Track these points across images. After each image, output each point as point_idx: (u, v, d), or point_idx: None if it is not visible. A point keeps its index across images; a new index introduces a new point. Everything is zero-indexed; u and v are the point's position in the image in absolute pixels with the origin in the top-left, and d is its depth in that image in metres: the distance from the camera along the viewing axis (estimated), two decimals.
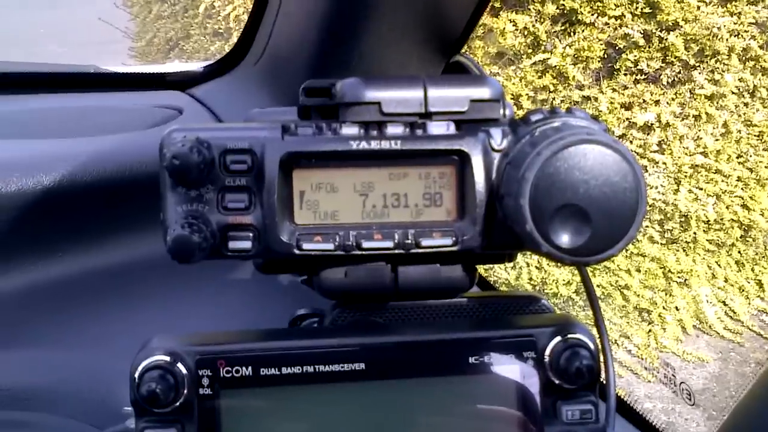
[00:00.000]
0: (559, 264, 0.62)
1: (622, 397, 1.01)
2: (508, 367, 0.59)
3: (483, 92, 0.60)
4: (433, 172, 0.60)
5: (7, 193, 0.90)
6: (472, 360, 0.59)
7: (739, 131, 3.59)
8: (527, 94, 3.30)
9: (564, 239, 0.54)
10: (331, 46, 0.91)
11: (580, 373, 0.59)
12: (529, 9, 3.24)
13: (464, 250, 0.60)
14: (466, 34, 0.93)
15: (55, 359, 0.89)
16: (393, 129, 0.59)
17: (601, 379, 0.62)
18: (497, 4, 3.22)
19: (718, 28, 3.26)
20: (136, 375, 0.57)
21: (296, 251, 0.59)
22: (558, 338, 0.60)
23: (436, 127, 0.59)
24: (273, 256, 0.59)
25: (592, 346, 0.60)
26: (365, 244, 0.59)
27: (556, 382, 0.60)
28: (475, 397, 0.60)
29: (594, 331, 0.62)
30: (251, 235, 0.59)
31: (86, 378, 0.88)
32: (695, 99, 3.43)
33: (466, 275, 0.64)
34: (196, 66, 1.33)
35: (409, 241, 0.59)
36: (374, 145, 0.59)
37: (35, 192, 0.92)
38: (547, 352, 0.60)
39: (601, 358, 0.61)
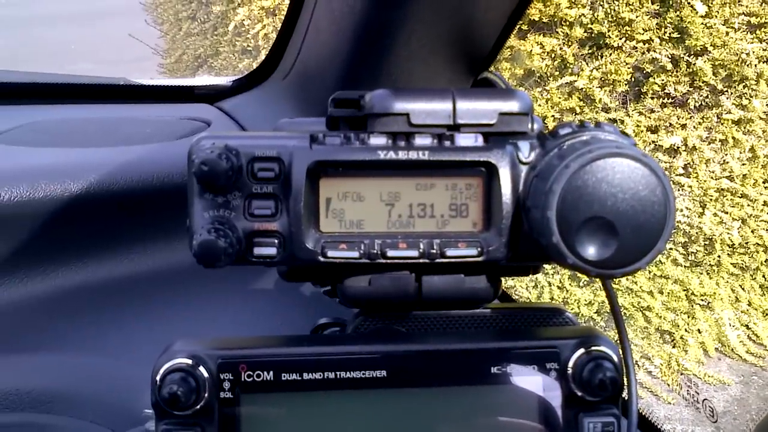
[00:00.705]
0: (583, 278, 0.62)
1: (643, 413, 1.00)
2: (531, 378, 0.59)
3: (512, 105, 0.60)
4: (460, 183, 0.60)
5: (34, 200, 0.91)
6: (494, 370, 0.58)
7: (766, 156, 3.57)
8: (553, 116, 3.30)
9: (590, 252, 0.54)
10: (360, 61, 0.92)
11: (603, 386, 0.59)
12: (557, 32, 3.25)
13: (489, 261, 0.60)
14: (495, 52, 0.94)
15: (78, 363, 0.90)
16: (421, 140, 0.59)
17: (623, 395, 0.62)
18: (525, 27, 3.23)
19: (747, 54, 3.25)
20: (158, 377, 0.57)
21: (321, 258, 0.59)
22: (581, 350, 0.60)
23: (464, 139, 0.59)
24: (298, 263, 0.60)
25: (615, 358, 0.60)
26: (390, 253, 0.59)
27: (579, 394, 0.59)
28: (496, 407, 0.59)
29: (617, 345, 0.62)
30: (276, 241, 0.59)
31: (108, 382, 0.89)
32: (722, 123, 3.41)
33: (490, 286, 0.64)
34: (224, 80, 1.34)
35: (434, 251, 0.59)
36: (402, 155, 0.59)
37: (62, 199, 0.93)
38: (570, 363, 0.59)
39: (624, 372, 0.61)
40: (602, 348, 0.60)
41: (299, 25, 1.05)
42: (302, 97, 1.09)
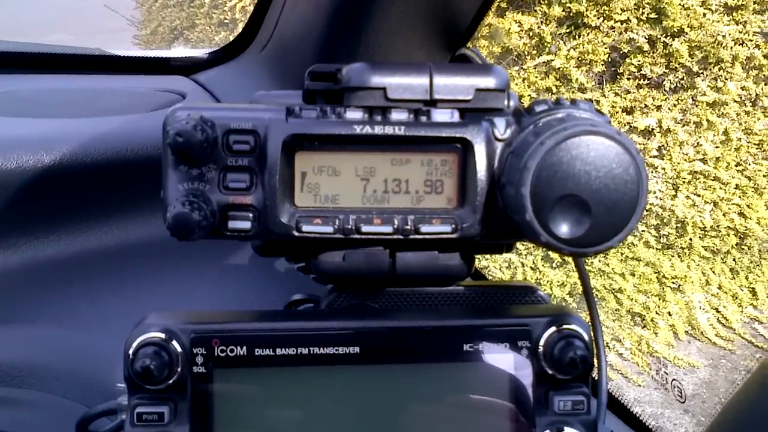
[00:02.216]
0: (557, 259, 0.62)
1: (613, 394, 1.02)
2: (502, 356, 0.59)
3: (488, 81, 0.60)
4: (436, 159, 0.60)
5: (6, 170, 0.90)
6: (466, 347, 0.59)
7: (740, 139, 3.60)
8: (530, 95, 3.30)
9: (563, 229, 0.54)
10: (338, 33, 0.91)
11: (573, 364, 0.59)
12: (535, 11, 3.24)
13: (463, 238, 0.60)
14: (473, 27, 0.93)
15: (50, 337, 0.89)
16: (397, 115, 0.59)
17: (593, 375, 0.62)
18: (503, 5, 3.22)
19: (723, 36, 3.27)
20: (131, 351, 0.57)
21: (295, 233, 0.59)
22: (553, 328, 0.60)
23: (440, 115, 0.59)
24: (272, 237, 0.59)
25: (586, 337, 0.60)
26: (364, 228, 0.59)
27: (550, 372, 0.60)
28: (468, 384, 0.60)
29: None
30: (251, 215, 0.59)
31: (80, 356, 0.88)
32: (697, 106, 3.44)
33: (463, 263, 0.64)
34: (200, 52, 1.33)
35: (409, 227, 0.59)
36: (378, 130, 0.59)
37: (35, 170, 0.92)
38: (542, 342, 0.60)
39: (595, 351, 0.61)
40: (573, 326, 0.60)
41: None
42: (279, 70, 1.08)
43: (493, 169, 0.59)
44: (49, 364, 0.87)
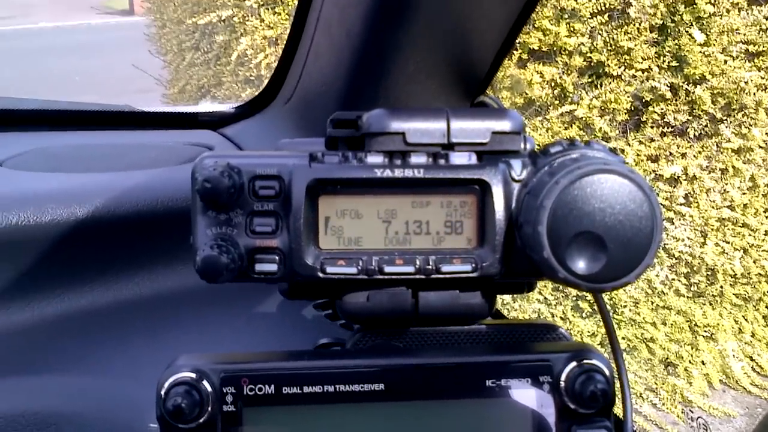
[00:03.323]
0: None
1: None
2: (525, 391, 0.60)
3: (504, 125, 0.62)
4: (455, 200, 0.62)
5: (41, 224, 0.93)
6: (488, 383, 0.60)
7: (767, 185, 3.58)
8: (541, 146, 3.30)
9: (580, 265, 0.55)
10: (359, 84, 0.94)
11: (594, 397, 0.60)
12: (557, 61, 3.27)
13: (483, 277, 0.62)
14: (490, 76, 0.96)
15: (84, 385, 0.91)
16: (416, 158, 0.61)
17: (618, 414, 0.63)
18: (524, 56, 3.26)
19: (746, 83, 3.27)
20: (163, 391, 0.58)
21: (320, 274, 0.61)
22: (573, 363, 0.61)
23: (458, 158, 0.61)
24: (298, 279, 0.61)
25: (607, 371, 0.61)
26: (387, 269, 0.61)
27: (572, 406, 0.61)
28: (491, 420, 0.61)
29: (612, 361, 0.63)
30: (277, 258, 0.61)
31: (113, 403, 0.90)
32: (722, 152, 3.43)
33: (484, 302, 0.65)
34: (227, 107, 1.36)
35: (430, 267, 0.61)
36: (398, 173, 0.61)
37: (69, 223, 0.94)
38: (563, 377, 0.61)
39: (616, 385, 0.62)
40: (594, 361, 0.61)
41: (299, 52, 1.08)
42: (303, 121, 1.11)
43: (511, 209, 0.61)
44: (84, 412, 0.88)
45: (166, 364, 0.62)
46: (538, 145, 0.64)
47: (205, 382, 0.59)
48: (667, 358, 3.58)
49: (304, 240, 0.61)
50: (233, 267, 0.59)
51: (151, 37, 4.99)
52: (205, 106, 1.40)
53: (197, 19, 3.70)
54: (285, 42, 1.11)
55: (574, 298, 3.45)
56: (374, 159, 0.61)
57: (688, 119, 3.36)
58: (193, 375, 0.59)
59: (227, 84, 3.78)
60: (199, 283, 0.99)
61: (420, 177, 0.61)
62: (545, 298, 3.48)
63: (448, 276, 0.61)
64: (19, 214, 0.92)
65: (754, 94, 3.31)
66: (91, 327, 0.96)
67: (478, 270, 0.61)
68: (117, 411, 0.90)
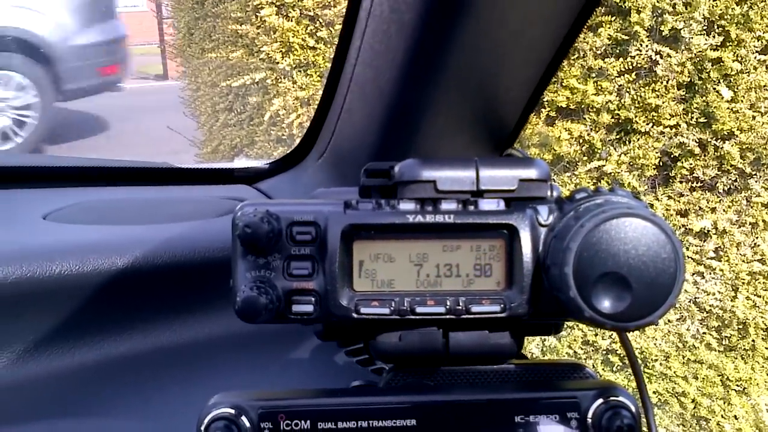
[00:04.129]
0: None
1: None
2: (553, 428, 0.62)
3: (531, 173, 0.65)
4: (484, 244, 0.65)
5: (84, 273, 0.97)
6: (517, 419, 0.62)
7: None
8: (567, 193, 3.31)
9: (606, 305, 0.58)
10: (390, 139, 0.97)
11: None
12: (584, 118, 3.30)
13: (512, 317, 0.64)
14: (517, 130, 0.99)
15: (121, 428, 0.94)
16: (447, 205, 0.64)
17: None
18: (552, 114, 3.29)
19: None
20: (203, 427, 0.61)
21: (354, 315, 0.63)
22: (600, 400, 0.63)
23: (487, 204, 0.64)
24: (333, 319, 0.64)
25: (633, 408, 0.63)
26: (419, 310, 0.63)
27: None
28: None
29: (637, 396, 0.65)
30: (313, 299, 0.64)
31: None
32: (752, 207, 3.42)
33: (513, 342, 0.68)
34: (261, 162, 1.40)
35: (460, 308, 0.63)
36: (429, 219, 0.64)
37: (109, 273, 0.98)
38: (590, 413, 0.63)
39: (642, 420, 0.63)
40: (620, 398, 0.63)
41: (333, 109, 1.11)
42: (335, 175, 1.15)
43: (538, 252, 0.63)
44: None
45: (203, 404, 0.64)
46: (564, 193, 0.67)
47: (243, 418, 0.61)
48: (699, 413, 3.53)
49: (339, 282, 0.63)
50: (271, 308, 0.62)
51: (185, 100, 5.09)
52: (241, 162, 1.44)
53: (231, 81, 3.78)
54: (318, 100, 1.15)
55: (604, 352, 3.43)
56: (406, 206, 0.64)
57: (717, 174, 3.36)
58: (232, 411, 0.61)
59: (260, 143, 3.84)
60: (234, 329, 1.03)
61: (450, 222, 0.63)
62: (575, 352, 3.47)
63: (477, 316, 0.64)
64: (62, 265, 0.96)
65: None
66: (129, 373, 0.99)
67: (507, 311, 0.63)
68: None
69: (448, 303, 0.63)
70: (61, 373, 0.96)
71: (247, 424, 0.61)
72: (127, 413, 0.94)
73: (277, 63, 3.45)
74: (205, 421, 0.61)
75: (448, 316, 0.63)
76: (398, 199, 0.65)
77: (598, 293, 0.58)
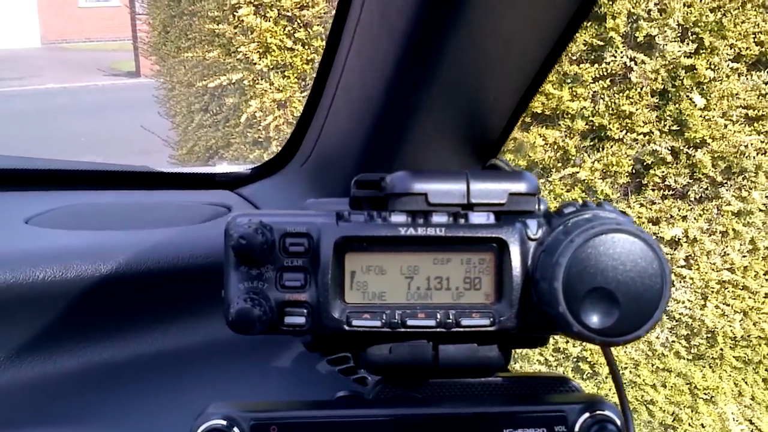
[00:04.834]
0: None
1: None
2: None
3: (520, 187, 0.66)
4: (474, 258, 0.66)
5: (67, 279, 0.96)
6: None
7: (767, 248, 3.61)
8: (556, 207, 3.34)
9: (594, 320, 0.59)
10: (376, 146, 0.98)
11: None
12: (559, 125, 3.33)
13: (501, 331, 0.65)
14: (502, 140, 1.00)
15: None
16: (438, 218, 0.65)
17: None
18: (528, 119, 3.32)
19: (746, 146, 3.32)
20: None
21: (346, 327, 0.64)
22: (587, 414, 0.64)
23: (477, 217, 0.65)
24: (325, 331, 0.64)
25: (618, 422, 0.64)
26: (410, 322, 0.64)
27: None
28: None
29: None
30: (305, 311, 0.64)
31: None
32: (722, 215, 3.47)
33: (501, 355, 0.69)
34: (243, 167, 1.40)
35: (450, 321, 0.64)
36: (420, 231, 0.64)
37: (93, 279, 0.98)
38: (577, 427, 0.64)
39: None
40: (606, 412, 0.64)
41: (318, 115, 1.12)
42: (320, 181, 1.15)
43: (527, 266, 0.64)
44: None
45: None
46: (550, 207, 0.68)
47: (235, 429, 0.61)
48: (666, 421, 3.56)
49: (331, 294, 0.64)
50: (264, 319, 0.63)
51: (159, 99, 5.06)
52: (222, 167, 1.44)
53: (207, 82, 3.77)
54: (303, 105, 1.16)
55: (575, 359, 3.46)
56: (398, 218, 0.65)
57: (688, 182, 3.40)
58: (224, 422, 0.61)
59: (236, 145, 3.84)
60: (217, 338, 1.03)
61: (441, 235, 0.64)
62: (546, 359, 3.49)
63: (467, 330, 0.64)
64: (45, 270, 0.96)
65: (754, 157, 3.36)
66: (111, 380, 0.98)
67: (496, 324, 0.64)
68: None
69: (439, 316, 0.64)
70: (40, 380, 0.95)
71: None
72: (108, 421, 0.94)
73: (255, 64, 3.45)
74: (198, 431, 0.61)
75: (438, 329, 0.64)
76: (389, 211, 0.66)
77: (586, 308, 0.59)
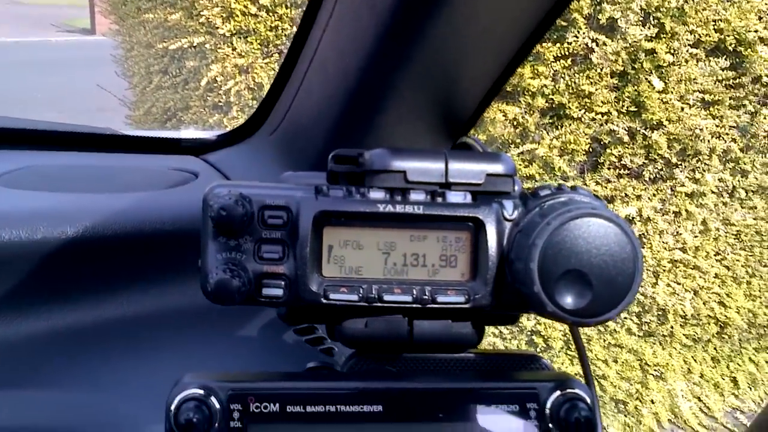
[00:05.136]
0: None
1: None
2: (512, 417, 0.64)
3: (498, 168, 0.67)
4: (450, 236, 0.67)
5: (33, 241, 0.95)
6: (479, 408, 0.64)
7: (718, 229, 3.69)
8: (529, 188, 3.35)
9: (568, 301, 0.60)
10: (349, 121, 0.98)
11: (578, 425, 0.64)
12: (520, 101, 3.35)
13: (475, 308, 0.66)
14: (474, 120, 1.01)
15: (69, 401, 0.93)
16: (416, 195, 0.66)
17: None
18: None
19: (701, 130, 3.38)
20: (173, 407, 0.61)
21: (323, 300, 0.65)
22: (558, 392, 0.66)
23: (454, 196, 0.66)
24: (302, 303, 0.65)
25: (589, 400, 0.66)
26: (386, 297, 0.65)
27: None
28: None
29: None
30: (283, 283, 0.65)
31: (98, 420, 0.92)
32: (676, 196, 3.53)
33: (474, 332, 0.70)
34: (209, 134, 1.40)
35: (426, 297, 0.65)
36: (398, 209, 0.65)
37: (59, 242, 0.97)
38: (548, 404, 0.65)
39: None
40: (577, 390, 0.66)
41: (290, 86, 1.12)
42: (288, 152, 1.15)
43: (503, 246, 0.65)
44: (71, 426, 0.90)
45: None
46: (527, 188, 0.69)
47: (213, 399, 0.62)
48: (617, 396, 3.64)
49: (309, 267, 0.64)
50: (243, 290, 0.63)
51: (117, 58, 4.98)
52: (188, 132, 1.43)
53: (168, 44, 3.72)
54: (275, 76, 1.15)
55: (529, 333, 3.51)
56: (376, 194, 0.65)
57: (644, 162, 3.45)
58: (202, 392, 0.62)
59: (195, 109, 3.79)
60: (182, 305, 1.03)
61: (419, 213, 0.65)
62: (501, 332, 3.54)
63: (442, 306, 0.66)
64: (11, 232, 0.94)
65: (709, 141, 3.42)
66: (76, 344, 0.98)
67: (471, 301, 0.66)
68: (99, 427, 0.92)
69: (415, 292, 0.65)
70: (5, 344, 0.94)
71: (217, 405, 0.62)
72: (74, 385, 0.94)
73: (217, 28, 3.41)
74: (176, 400, 0.61)
75: (414, 305, 0.65)
76: (368, 187, 0.66)
77: (560, 289, 0.60)
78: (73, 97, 7.89)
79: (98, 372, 0.96)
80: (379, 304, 0.65)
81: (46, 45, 12.80)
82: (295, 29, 3.33)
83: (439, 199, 0.66)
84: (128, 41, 4.69)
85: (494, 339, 3.44)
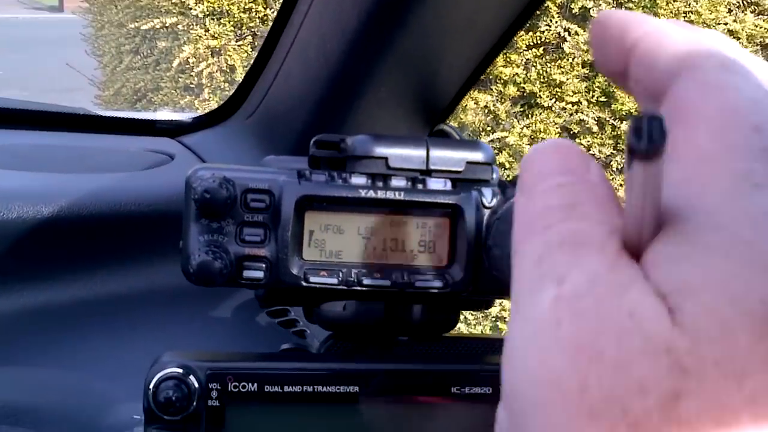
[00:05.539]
0: None
1: None
2: (486, 399, 0.66)
3: (477, 156, 0.69)
4: (430, 222, 0.68)
5: (7, 220, 0.95)
6: (454, 390, 0.65)
7: None
8: (508, 177, 3.40)
9: None
10: (328, 107, 0.99)
11: None
12: (491, 89, 3.37)
13: (452, 293, 0.67)
14: (451, 107, 1.02)
15: (45, 379, 0.94)
16: (397, 182, 0.67)
17: None
18: None
19: None
20: (152, 385, 0.62)
21: (303, 283, 0.66)
22: None
23: (435, 183, 0.67)
24: (282, 286, 0.66)
25: None
26: (365, 281, 0.66)
27: None
28: (456, 423, 0.66)
29: None
30: (264, 266, 0.65)
31: (73, 398, 0.93)
32: None
33: (450, 317, 0.71)
34: (185, 116, 1.39)
35: (404, 281, 0.66)
36: (379, 194, 0.66)
37: (34, 221, 0.97)
38: None
39: None
40: None
41: (268, 69, 1.12)
42: (266, 136, 1.15)
43: (481, 233, 0.67)
44: (43, 405, 0.91)
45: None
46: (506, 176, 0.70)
47: (192, 378, 0.62)
48: None
49: (290, 251, 0.65)
50: (225, 272, 0.64)
51: (87, 37, 4.93)
52: (163, 114, 1.43)
53: (140, 24, 3.69)
54: (255, 58, 1.15)
55: (494, 319, 3.54)
56: (358, 180, 0.66)
57: (612, 153, 3.49)
58: (180, 370, 0.62)
59: (166, 90, 3.77)
60: (156, 285, 1.04)
61: (399, 199, 0.66)
62: (465, 317, 3.57)
63: (420, 291, 0.67)
64: None
65: None
66: (52, 323, 0.98)
67: (449, 287, 0.67)
68: (76, 405, 0.92)
69: (394, 276, 0.66)
70: None
71: (196, 384, 0.62)
72: (49, 363, 0.94)
73: (190, 9, 3.39)
74: (155, 379, 0.62)
75: (392, 289, 0.66)
76: (350, 172, 0.67)
77: None
78: (40, 76, 7.79)
79: (75, 350, 0.96)
80: (358, 288, 0.66)
81: (13, 22, 12.62)
82: (269, 12, 3.32)
83: (420, 186, 0.67)
84: (99, 20, 4.65)
85: (459, 325, 3.47)
